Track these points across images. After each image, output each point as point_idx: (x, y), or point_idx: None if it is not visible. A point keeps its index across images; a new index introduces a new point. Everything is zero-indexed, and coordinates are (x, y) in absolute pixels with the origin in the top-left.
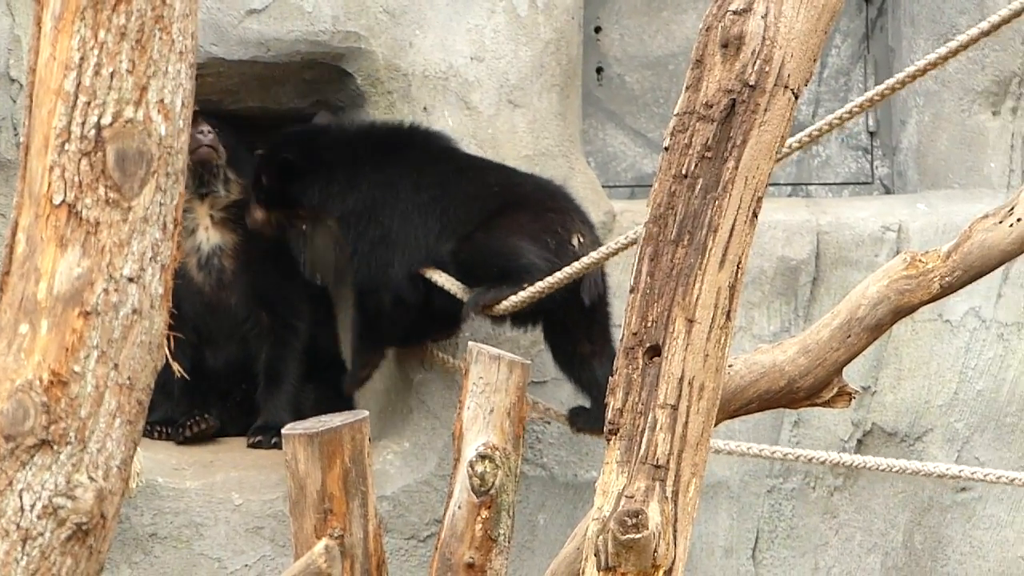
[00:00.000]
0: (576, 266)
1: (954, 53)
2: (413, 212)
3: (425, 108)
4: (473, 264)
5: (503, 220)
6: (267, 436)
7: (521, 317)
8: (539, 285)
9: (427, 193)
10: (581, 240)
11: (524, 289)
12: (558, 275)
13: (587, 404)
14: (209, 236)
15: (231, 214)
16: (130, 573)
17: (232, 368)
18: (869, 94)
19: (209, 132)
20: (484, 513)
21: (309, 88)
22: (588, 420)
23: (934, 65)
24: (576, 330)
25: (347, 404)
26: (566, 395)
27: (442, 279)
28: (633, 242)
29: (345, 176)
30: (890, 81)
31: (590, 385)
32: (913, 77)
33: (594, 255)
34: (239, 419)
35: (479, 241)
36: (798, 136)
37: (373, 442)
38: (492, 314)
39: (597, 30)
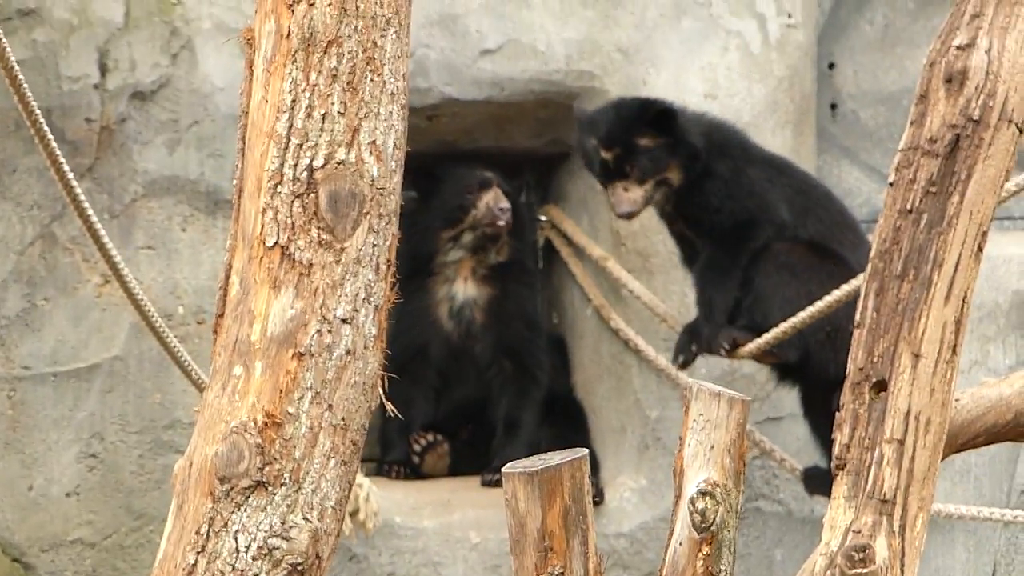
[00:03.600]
0: (810, 310)
1: None
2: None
3: None
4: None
5: (800, 267)
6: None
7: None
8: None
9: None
10: None
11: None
12: (788, 323)
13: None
14: (466, 288)
15: (492, 272)
16: None
17: (464, 410)
18: None
19: (507, 210)
20: (705, 550)
21: (543, 127)
22: (825, 483)
23: None
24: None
25: (583, 443)
26: (802, 430)
27: None
28: None
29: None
30: None
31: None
32: None
33: (828, 299)
34: (469, 459)
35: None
36: (1017, 179)
37: (611, 480)
38: (733, 356)
39: (831, 66)
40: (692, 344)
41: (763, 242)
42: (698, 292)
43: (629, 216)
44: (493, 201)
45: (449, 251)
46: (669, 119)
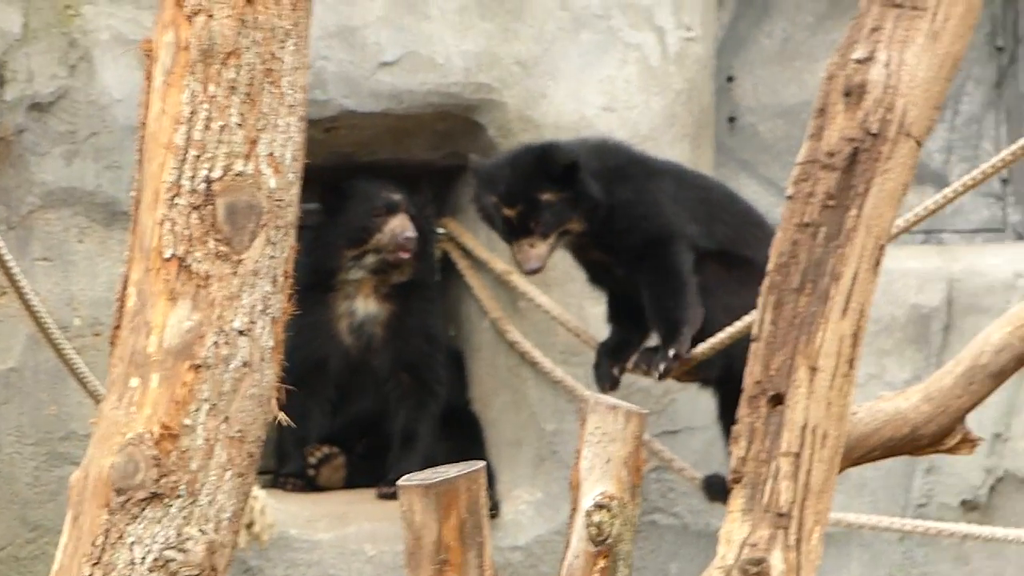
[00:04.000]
0: (729, 330)
1: None
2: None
3: None
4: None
5: (712, 284)
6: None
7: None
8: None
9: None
10: None
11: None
12: (708, 344)
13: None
14: (367, 305)
15: (394, 290)
16: None
17: (361, 423)
18: (1003, 154)
19: (413, 238)
20: (601, 563)
21: (441, 140)
22: (725, 491)
23: None
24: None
25: (479, 456)
26: (699, 443)
27: None
28: None
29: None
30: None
31: None
32: None
33: (747, 319)
34: (365, 472)
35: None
36: (935, 197)
37: (507, 493)
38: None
39: (730, 79)
40: (614, 367)
41: (687, 252)
42: (658, 319)
43: (537, 271)
44: (399, 228)
45: (351, 269)
46: (572, 172)
